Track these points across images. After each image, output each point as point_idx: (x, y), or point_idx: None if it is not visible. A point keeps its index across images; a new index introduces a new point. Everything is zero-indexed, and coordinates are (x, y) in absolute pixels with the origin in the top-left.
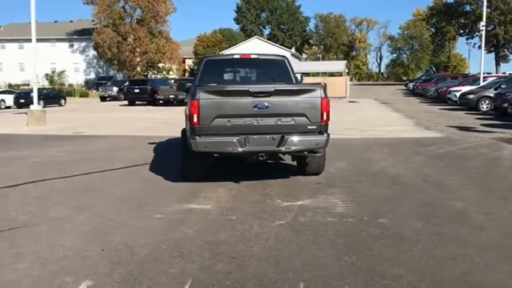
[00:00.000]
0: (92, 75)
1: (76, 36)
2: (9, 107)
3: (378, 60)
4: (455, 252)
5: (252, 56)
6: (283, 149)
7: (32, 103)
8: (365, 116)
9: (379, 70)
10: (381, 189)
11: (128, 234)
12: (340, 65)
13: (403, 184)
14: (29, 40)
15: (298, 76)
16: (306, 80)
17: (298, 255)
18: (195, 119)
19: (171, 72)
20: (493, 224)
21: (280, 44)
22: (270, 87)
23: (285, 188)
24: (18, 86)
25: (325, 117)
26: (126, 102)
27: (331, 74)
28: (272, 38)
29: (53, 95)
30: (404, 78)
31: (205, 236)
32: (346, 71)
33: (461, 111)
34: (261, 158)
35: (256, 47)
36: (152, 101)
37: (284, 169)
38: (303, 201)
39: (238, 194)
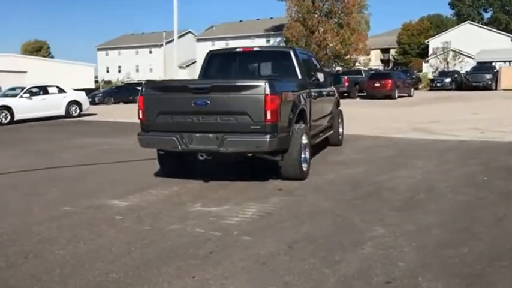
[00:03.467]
0: None
1: (272, 32)
2: None
3: None
4: None
5: (255, 49)
6: (222, 149)
7: None
8: None
9: None
10: (335, 204)
11: (8, 223)
12: None
13: (373, 200)
14: (234, 38)
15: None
16: (503, 69)
17: (83, 266)
18: (141, 115)
19: (357, 64)
20: (364, 259)
21: (502, 29)
22: (208, 83)
23: (236, 192)
24: None
25: (269, 116)
26: None
27: None
28: (493, 22)
29: None
30: None
31: (56, 233)
32: None
33: None
34: (200, 158)
35: (467, 33)
36: None
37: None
38: (219, 207)
39: (179, 194)
